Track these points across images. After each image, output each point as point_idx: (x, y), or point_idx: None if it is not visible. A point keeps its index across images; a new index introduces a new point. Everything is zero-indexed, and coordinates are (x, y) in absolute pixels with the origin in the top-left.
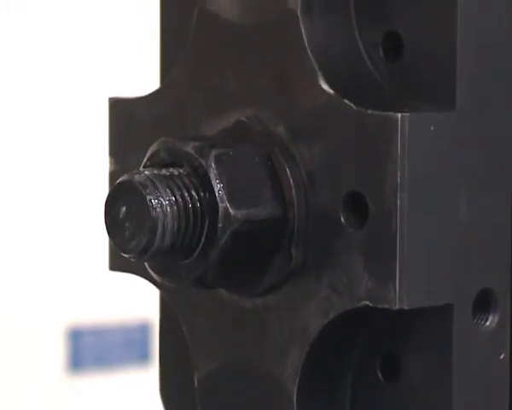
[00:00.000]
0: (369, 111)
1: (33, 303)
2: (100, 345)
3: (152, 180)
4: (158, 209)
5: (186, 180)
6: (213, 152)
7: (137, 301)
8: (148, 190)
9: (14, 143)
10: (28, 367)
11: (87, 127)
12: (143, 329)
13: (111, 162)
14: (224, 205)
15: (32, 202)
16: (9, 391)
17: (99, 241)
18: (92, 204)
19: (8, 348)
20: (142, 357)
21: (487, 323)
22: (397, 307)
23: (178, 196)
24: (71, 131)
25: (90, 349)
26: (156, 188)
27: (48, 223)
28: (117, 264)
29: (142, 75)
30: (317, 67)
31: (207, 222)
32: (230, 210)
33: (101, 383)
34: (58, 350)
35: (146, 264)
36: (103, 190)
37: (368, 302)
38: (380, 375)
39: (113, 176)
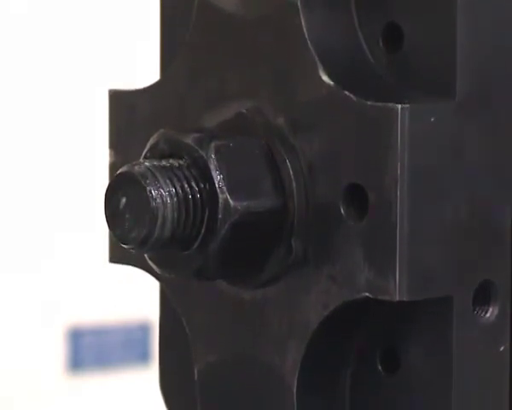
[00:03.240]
0: (370, 102)
1: (33, 303)
2: (100, 345)
3: (152, 171)
4: (158, 200)
5: (186, 171)
6: (213, 143)
7: (137, 301)
8: (148, 181)
9: (14, 136)
10: (28, 367)
11: (87, 119)
12: (143, 329)
13: (111, 154)
14: (224, 196)
15: (32, 199)
16: (9, 391)
17: (99, 241)
18: (92, 200)
19: (7, 348)
20: (142, 357)
21: (487, 315)
22: (397, 298)
23: (178, 188)
24: (71, 124)
25: (90, 349)
26: (156, 179)
27: (47, 222)
28: (117, 256)
29: (141, 67)
30: (317, 58)
31: (207, 213)
32: (230, 201)
33: (101, 383)
34: (58, 350)
35: (146, 255)
36: (103, 184)
37: (368, 294)
38: (380, 367)
39: (113, 168)
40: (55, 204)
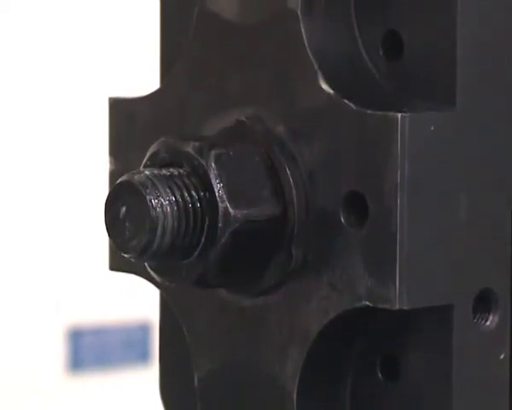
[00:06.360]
0: (369, 111)
1: (33, 303)
2: (100, 345)
3: (152, 180)
4: (158, 209)
5: (186, 180)
6: (213, 152)
7: (137, 301)
8: (148, 190)
9: (14, 143)
10: (28, 367)
11: (87, 127)
12: (143, 329)
13: (111, 162)
14: (224, 205)
15: (32, 202)
16: (9, 391)
17: (99, 241)
18: (92, 204)
19: (7, 348)
20: (142, 357)
21: (487, 323)
22: (397, 307)
23: (178, 196)
24: (71, 132)
25: (90, 349)
26: (156, 188)
27: (48, 223)
28: (117, 263)
29: (142, 75)
30: (316, 66)
31: (207, 222)
32: (230, 210)
33: (101, 383)
34: (58, 350)
35: (146, 264)
36: (103, 190)
37: (368, 302)
38: (380, 375)
39: (113, 176)
40: (55, 206)
